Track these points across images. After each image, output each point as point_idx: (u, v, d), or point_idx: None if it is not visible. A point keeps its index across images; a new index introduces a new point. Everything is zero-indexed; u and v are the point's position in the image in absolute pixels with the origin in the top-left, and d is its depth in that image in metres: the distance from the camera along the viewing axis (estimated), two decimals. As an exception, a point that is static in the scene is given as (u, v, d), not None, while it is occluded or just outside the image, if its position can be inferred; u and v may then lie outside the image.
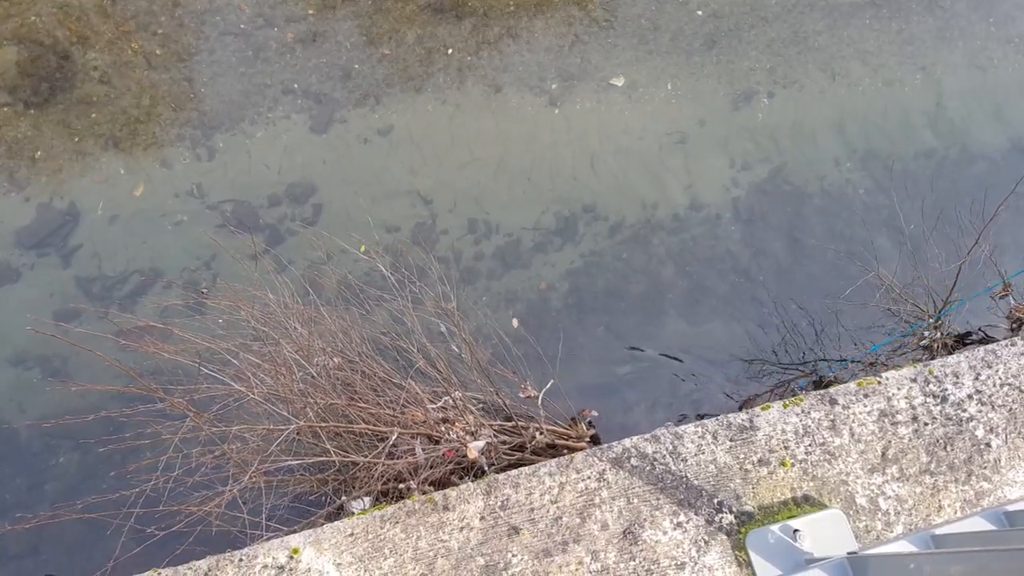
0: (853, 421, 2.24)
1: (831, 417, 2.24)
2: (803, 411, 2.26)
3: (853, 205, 3.88)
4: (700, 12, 4.18)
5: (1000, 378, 2.37)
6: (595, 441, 3.29)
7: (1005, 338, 3.95)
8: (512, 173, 3.79)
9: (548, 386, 3.08)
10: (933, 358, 3.76)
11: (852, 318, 3.65)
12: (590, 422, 3.34)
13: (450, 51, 3.91)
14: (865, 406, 2.27)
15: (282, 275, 3.03)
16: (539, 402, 3.08)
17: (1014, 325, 3.79)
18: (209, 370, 2.38)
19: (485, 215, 3.66)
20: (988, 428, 2.26)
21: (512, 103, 3.93)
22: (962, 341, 3.76)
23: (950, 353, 3.92)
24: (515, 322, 3.06)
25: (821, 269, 3.74)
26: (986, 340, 3.85)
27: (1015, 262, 3.77)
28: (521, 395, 3.13)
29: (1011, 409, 2.32)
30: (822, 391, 2.32)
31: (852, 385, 2.33)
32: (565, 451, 3.28)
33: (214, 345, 2.47)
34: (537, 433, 2.98)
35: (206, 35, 3.71)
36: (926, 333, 3.55)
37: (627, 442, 2.21)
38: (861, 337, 3.69)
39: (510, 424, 2.99)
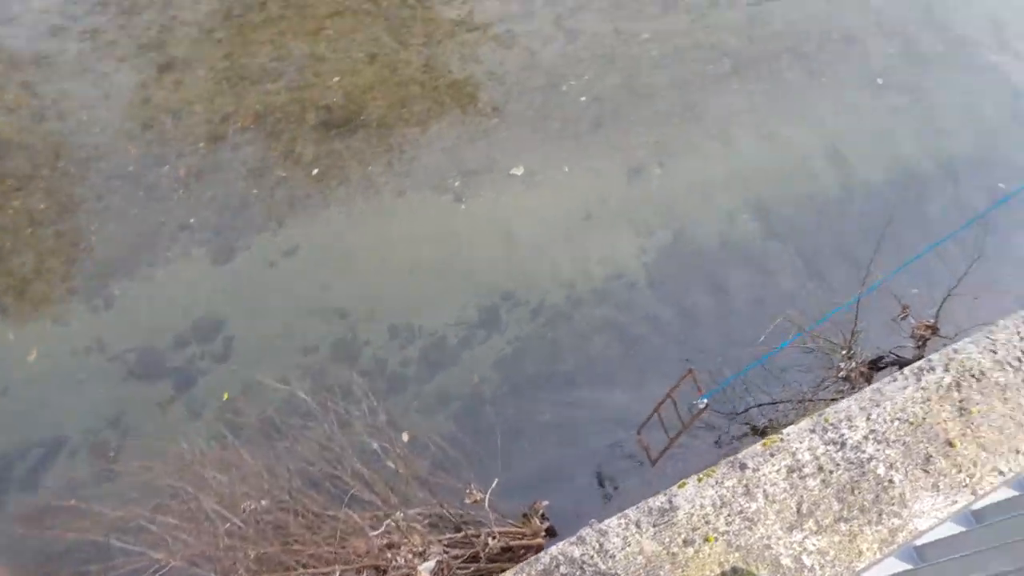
0: (765, 482, 2.28)
1: (744, 482, 2.27)
2: (717, 481, 2.28)
3: (750, 252, 4.12)
4: (583, 98, 4.46)
5: (889, 414, 2.47)
6: (550, 533, 3.21)
7: (912, 357, 4.22)
8: (427, 273, 3.82)
9: (493, 485, 3.01)
10: (854, 388, 3.94)
11: (774, 360, 3.81)
12: (543, 514, 3.26)
13: (348, 164, 3.99)
14: (773, 465, 2.31)
15: (197, 421, 2.90)
16: (486, 505, 3.00)
17: (919, 343, 4.05)
18: (123, 542, 2.21)
19: (405, 319, 3.64)
20: (888, 465, 2.34)
21: (417, 205, 4.01)
22: (876, 366, 3.97)
23: (868, 380, 4.13)
24: (405, 436, 3.02)
25: (737, 320, 3.91)
26: (897, 361, 4.09)
27: (909, 278, 4.07)
28: (467, 501, 3.03)
29: (904, 443, 2.40)
30: (731, 458, 2.35)
31: (758, 447, 2.38)
32: (522, 552, 3.18)
33: (127, 513, 2.30)
34: (490, 539, 2.88)
35: (92, 182, 3.62)
36: (842, 365, 3.74)
37: (553, 550, 2.16)
38: (785, 377, 3.84)
39: (460, 535, 2.88)
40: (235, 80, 4.05)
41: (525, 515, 3.21)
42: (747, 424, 3.80)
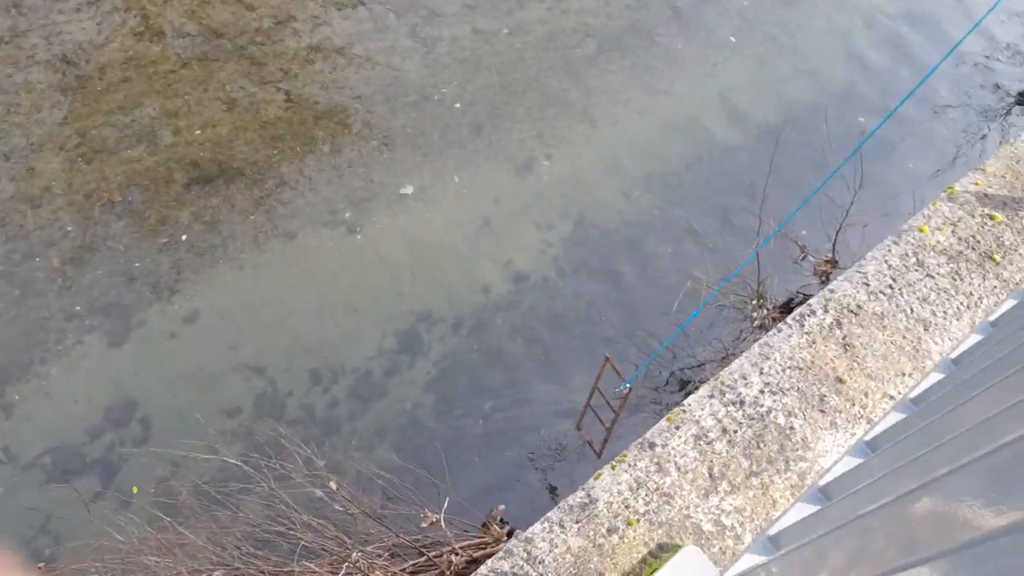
0: (675, 455, 2.57)
1: (655, 460, 2.55)
2: (630, 465, 2.55)
3: (651, 225, 4.81)
4: (457, 105, 5.04)
5: (780, 364, 2.83)
6: (512, 535, 3.74)
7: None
8: (336, 310, 4.26)
9: (445, 504, 3.50)
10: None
11: (695, 324, 4.49)
12: (501, 519, 3.78)
13: (230, 217, 4.39)
14: (680, 437, 2.61)
15: (128, 509, 3.25)
16: (443, 524, 3.47)
17: (822, 278, 4.85)
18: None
19: (325, 361, 4.07)
20: (787, 413, 2.69)
21: (311, 244, 4.45)
22: (788, 308, 4.74)
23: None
24: (333, 484, 3.38)
25: (651, 292, 4.56)
26: (806, 299, 4.89)
27: (803, 220, 4.88)
28: (424, 524, 3.49)
29: (798, 388, 2.76)
30: (640, 439, 2.64)
31: (663, 423, 2.68)
32: (488, 560, 3.68)
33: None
34: (452, 556, 3.34)
35: (-41, 291, 3.88)
36: (754, 315, 4.47)
37: (483, 569, 2.38)
38: (707, 336, 4.53)
39: (423, 559, 3.32)
40: (91, 155, 4.36)
41: (484, 524, 3.71)
42: (682, 391, 4.47)
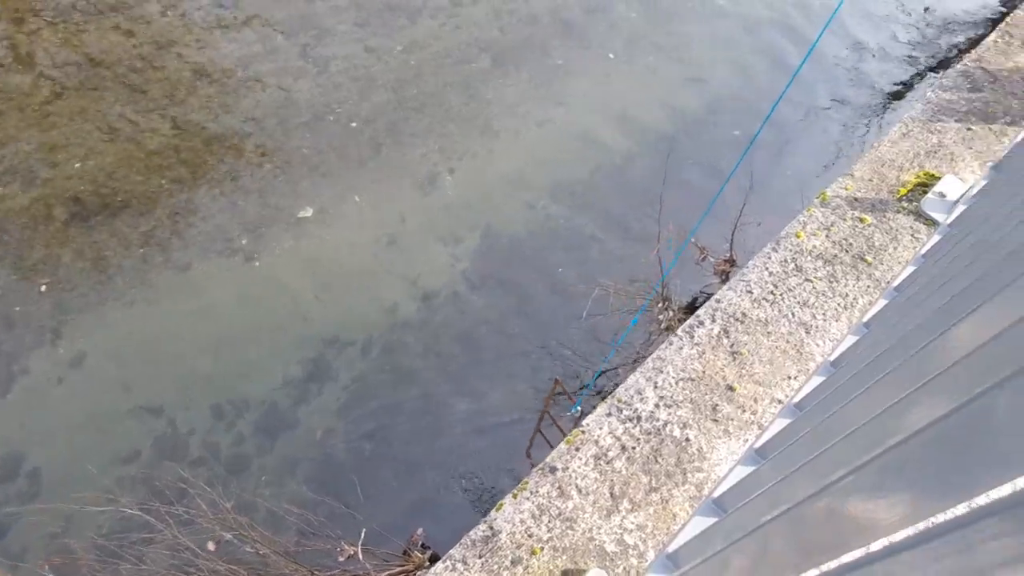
0: (576, 478, 2.60)
1: (557, 485, 2.58)
2: (532, 492, 2.56)
3: (557, 234, 4.94)
4: (354, 124, 5.05)
5: (673, 377, 2.92)
6: (435, 559, 3.74)
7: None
8: (237, 342, 4.18)
9: (363, 535, 3.48)
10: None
11: (606, 329, 4.63)
12: (423, 544, 3.79)
13: (117, 252, 4.25)
14: (580, 459, 2.65)
15: (19, 572, 3.09)
16: (360, 557, 3.45)
17: (722, 278, 5.09)
18: None
19: (227, 396, 3.98)
20: (682, 425, 2.76)
21: (207, 274, 4.35)
22: (692, 309, 4.95)
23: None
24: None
25: (560, 300, 4.68)
26: (710, 298, 5.13)
27: (700, 226, 5.11)
28: (341, 559, 3.47)
29: (691, 400, 2.84)
30: (540, 465, 2.67)
31: (562, 446, 2.72)
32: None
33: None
34: (372, 587, 3.36)
35: None
36: (660, 317, 4.65)
37: None
38: (618, 340, 4.68)
39: (341, 593, 3.32)
40: (-43, 194, 4.16)
41: (405, 551, 3.71)
42: (598, 395, 4.59)
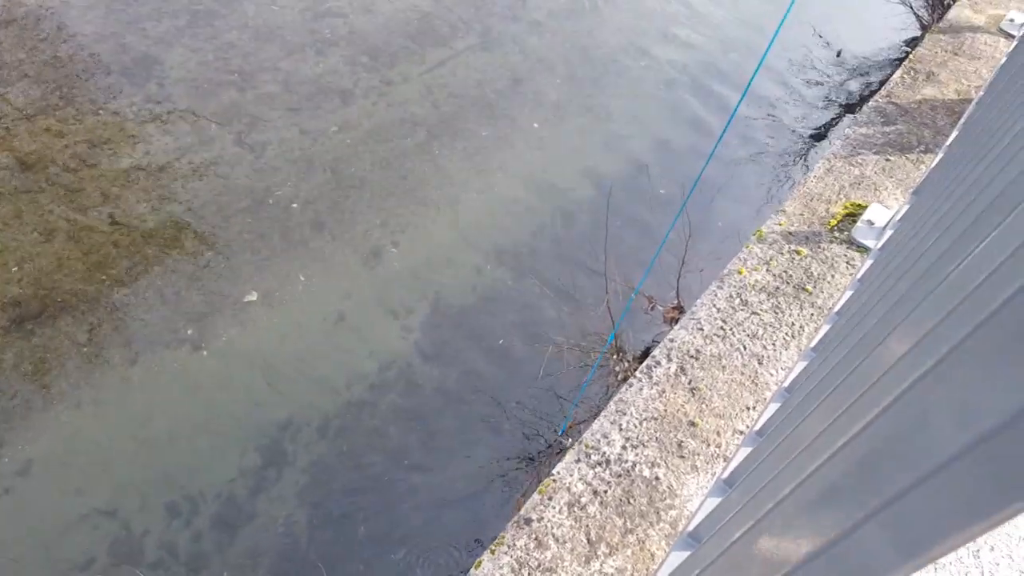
0: (552, 527, 2.64)
1: (534, 536, 2.61)
2: (509, 546, 2.58)
3: (507, 296, 5.10)
4: (295, 205, 5.19)
5: (636, 417, 3.00)
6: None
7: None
8: (189, 434, 4.17)
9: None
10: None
11: (563, 387, 4.76)
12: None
13: (60, 353, 4.24)
14: (554, 508, 2.69)
15: None
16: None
17: (671, 325, 5.30)
18: None
19: (182, 492, 3.96)
20: (650, 464, 2.83)
21: (153, 368, 4.36)
22: (647, 357, 5.14)
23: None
24: None
25: (516, 362, 4.81)
26: (664, 347, 5.32)
27: (646, 275, 5.34)
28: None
29: (657, 439, 2.92)
30: (516, 517, 2.71)
31: (535, 496, 2.76)
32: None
33: None
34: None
35: None
36: (617, 368, 4.81)
37: None
38: (575, 395, 4.81)
39: None
40: None
41: (378, 633, 3.70)
42: (563, 449, 4.68)
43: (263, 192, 5.15)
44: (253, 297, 4.73)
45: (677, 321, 5.26)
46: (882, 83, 7.34)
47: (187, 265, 4.74)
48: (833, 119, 7.06)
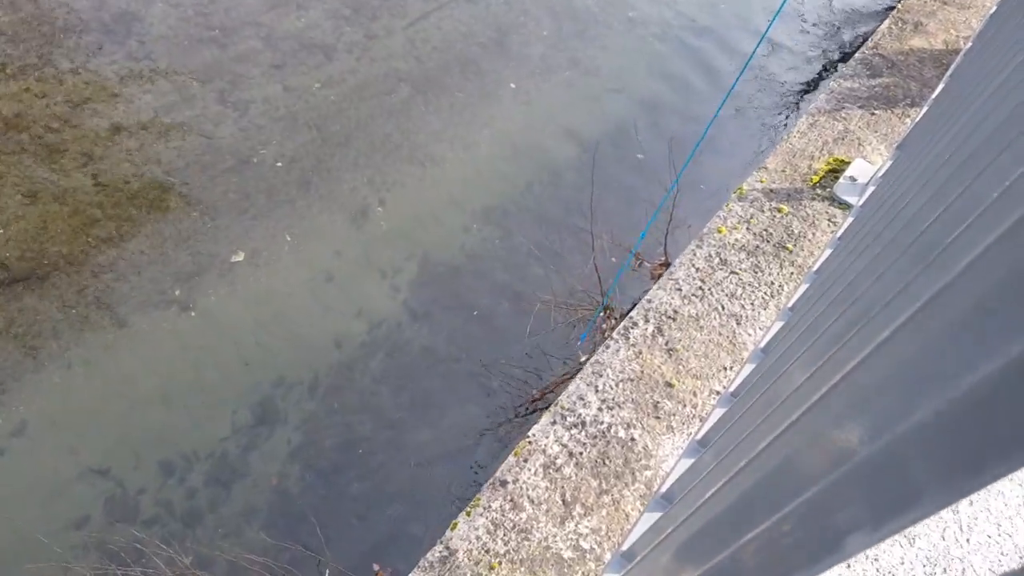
0: (527, 488, 2.68)
1: (509, 497, 2.66)
2: (485, 507, 2.63)
3: (495, 254, 5.16)
4: (279, 164, 5.20)
5: (613, 379, 3.03)
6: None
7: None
8: (181, 394, 4.26)
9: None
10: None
11: (551, 344, 4.85)
12: (390, 578, 3.92)
13: (49, 315, 4.30)
14: (530, 469, 2.73)
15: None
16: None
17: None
18: None
19: (175, 450, 4.06)
20: (626, 426, 2.87)
21: (144, 328, 4.43)
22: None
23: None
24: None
25: (504, 320, 4.89)
26: (651, 303, 5.41)
27: (633, 232, 5.40)
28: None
29: (633, 400, 2.95)
30: (491, 479, 2.76)
31: (511, 459, 2.80)
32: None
33: None
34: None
35: None
36: (604, 326, 4.90)
37: None
38: (564, 352, 4.91)
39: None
40: None
41: (371, 588, 3.84)
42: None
43: (247, 151, 5.15)
44: (240, 257, 4.78)
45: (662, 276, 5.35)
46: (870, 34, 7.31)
47: (173, 226, 4.78)
48: (823, 69, 7.04)
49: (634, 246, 5.09)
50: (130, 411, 4.11)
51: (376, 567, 3.80)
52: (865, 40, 7.23)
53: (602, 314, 4.93)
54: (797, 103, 6.64)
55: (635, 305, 5.28)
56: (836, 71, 7.00)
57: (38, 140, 4.88)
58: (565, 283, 5.01)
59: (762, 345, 2.86)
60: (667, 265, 5.29)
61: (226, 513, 3.98)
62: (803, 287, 3.13)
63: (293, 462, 4.19)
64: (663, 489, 2.38)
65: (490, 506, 2.67)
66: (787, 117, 6.49)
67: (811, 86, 6.83)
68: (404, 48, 5.98)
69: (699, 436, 2.54)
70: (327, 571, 3.64)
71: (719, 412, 2.60)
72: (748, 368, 2.77)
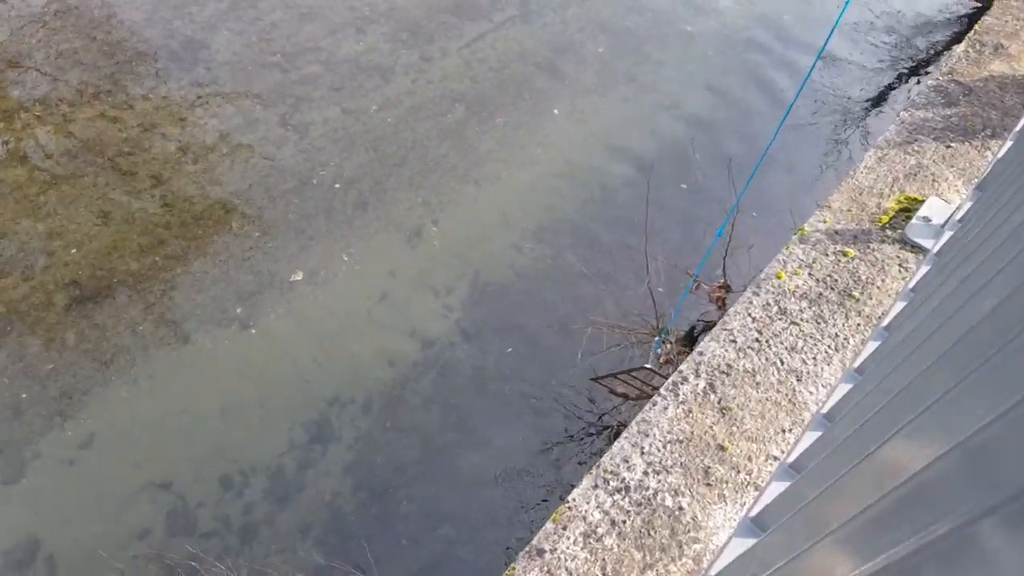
0: (565, 559, 2.51)
1: (546, 569, 2.49)
2: None
3: (547, 274, 5.18)
4: (337, 185, 5.35)
5: (660, 440, 2.82)
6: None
7: (718, 318, 5.46)
8: (240, 410, 4.41)
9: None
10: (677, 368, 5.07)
11: (603, 367, 4.84)
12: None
13: (117, 332, 4.52)
14: (569, 538, 2.56)
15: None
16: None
17: (719, 304, 5.30)
18: None
19: (234, 466, 4.21)
20: (673, 492, 2.65)
21: (206, 346, 4.61)
22: (691, 338, 5.16)
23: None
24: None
25: (556, 340, 4.90)
26: (708, 327, 5.32)
27: (691, 253, 5.34)
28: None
29: (682, 464, 2.73)
30: (527, 547, 2.58)
31: (549, 525, 2.62)
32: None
33: None
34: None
35: None
36: (658, 351, 4.85)
37: None
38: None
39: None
40: (-40, 291, 4.47)
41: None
42: (606, 428, 4.77)
43: (307, 172, 5.32)
44: (299, 276, 4.92)
45: (724, 300, 5.27)
46: (951, 42, 7.07)
47: (235, 246, 4.96)
48: (894, 80, 6.85)
49: (694, 272, 5.01)
50: (192, 426, 4.27)
51: None
52: (937, 54, 7.00)
53: (657, 338, 4.89)
54: (864, 116, 6.47)
55: (693, 328, 5.23)
56: (904, 82, 6.80)
57: (111, 163, 5.14)
58: (619, 305, 4.99)
59: (825, 410, 2.65)
60: (726, 288, 5.21)
61: (280, 529, 4.09)
62: (871, 344, 2.88)
63: (346, 479, 4.28)
64: (711, 573, 2.24)
65: (525, 576, 2.48)
66: (853, 133, 6.33)
67: (878, 101, 6.65)
68: (459, 69, 6.08)
69: (753, 513, 2.37)
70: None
71: (777, 486, 2.38)
72: (809, 436, 2.55)
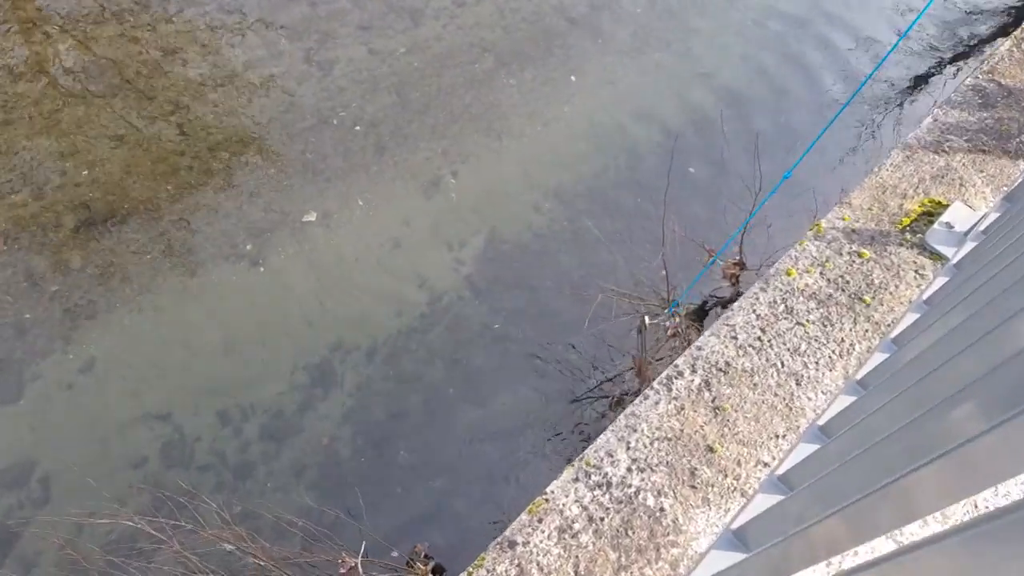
0: (537, 554, 2.39)
1: (516, 562, 2.38)
2: (488, 571, 2.36)
3: (562, 236, 5.04)
4: (358, 127, 5.17)
5: (647, 436, 2.68)
6: (438, 572, 3.86)
7: (730, 296, 5.33)
8: (242, 348, 4.33)
9: (363, 548, 3.60)
10: (688, 342, 4.94)
11: (612, 334, 4.73)
12: (426, 555, 3.90)
13: (124, 258, 4.41)
14: (543, 532, 2.44)
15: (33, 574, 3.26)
16: (360, 570, 3.56)
17: (732, 281, 5.17)
18: None
19: (233, 402, 4.14)
20: (656, 492, 2.53)
21: (213, 280, 4.51)
22: (702, 313, 5.03)
23: (698, 331, 5.17)
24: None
25: (565, 303, 4.78)
26: (719, 303, 5.20)
27: (707, 226, 5.19)
28: (343, 571, 3.59)
29: (668, 463, 2.61)
30: (499, 538, 2.47)
31: (524, 517, 2.50)
32: (415, 599, 3.79)
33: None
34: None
35: None
36: (667, 323, 4.73)
37: None
38: (625, 345, 4.78)
39: (340, 609, 3.44)
40: (-32, 204, 4.36)
41: (408, 563, 3.84)
42: (605, 396, 4.69)
43: (328, 112, 5.15)
44: (312, 217, 4.80)
45: (737, 278, 5.13)
46: (996, 34, 6.79)
47: (250, 181, 4.82)
48: (931, 71, 6.59)
49: (717, 252, 4.85)
50: (193, 359, 4.20)
51: (426, 544, 3.79)
52: (979, 43, 6.72)
53: (665, 311, 4.77)
54: (899, 104, 6.23)
55: (704, 303, 5.11)
56: (941, 71, 6.54)
57: (129, 85, 4.98)
58: (632, 273, 4.86)
59: (822, 422, 2.54)
60: (742, 265, 5.07)
61: (275, 468, 4.04)
62: (877, 356, 2.75)
63: (345, 425, 4.22)
64: (692, 576, 2.09)
65: (494, 569, 2.38)
66: (886, 118, 6.11)
67: (914, 88, 6.40)
68: (493, 17, 5.85)
69: (736, 524, 2.27)
70: (363, 543, 3.64)
71: (763, 499, 2.29)
72: (803, 449, 2.44)
